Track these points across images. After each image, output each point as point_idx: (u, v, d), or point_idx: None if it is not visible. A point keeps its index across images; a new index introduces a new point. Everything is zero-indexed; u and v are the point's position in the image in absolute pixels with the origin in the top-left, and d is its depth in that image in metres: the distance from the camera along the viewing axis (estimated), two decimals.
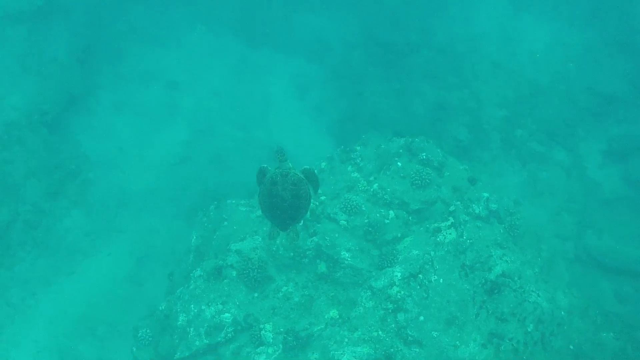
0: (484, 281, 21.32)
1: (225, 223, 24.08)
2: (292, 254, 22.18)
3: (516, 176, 29.79)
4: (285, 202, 14.87)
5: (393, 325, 20.36)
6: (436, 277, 21.14)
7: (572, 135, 31.38)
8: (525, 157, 30.45)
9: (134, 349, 22.64)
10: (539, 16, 37.10)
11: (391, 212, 22.72)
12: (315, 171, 15.77)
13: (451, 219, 22.54)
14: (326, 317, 21.06)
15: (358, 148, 25.91)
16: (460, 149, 30.06)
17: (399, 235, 22.46)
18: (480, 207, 23.02)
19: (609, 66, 34.05)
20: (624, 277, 26.21)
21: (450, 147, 29.11)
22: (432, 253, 21.62)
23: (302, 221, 18.20)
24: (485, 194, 23.45)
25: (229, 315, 21.10)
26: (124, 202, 29.50)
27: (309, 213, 22.40)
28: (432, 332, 20.21)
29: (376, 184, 23.30)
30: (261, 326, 20.80)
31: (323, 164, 25.56)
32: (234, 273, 21.92)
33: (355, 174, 24.61)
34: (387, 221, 22.46)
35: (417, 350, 19.95)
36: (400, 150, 24.76)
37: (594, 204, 28.75)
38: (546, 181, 29.54)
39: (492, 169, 29.91)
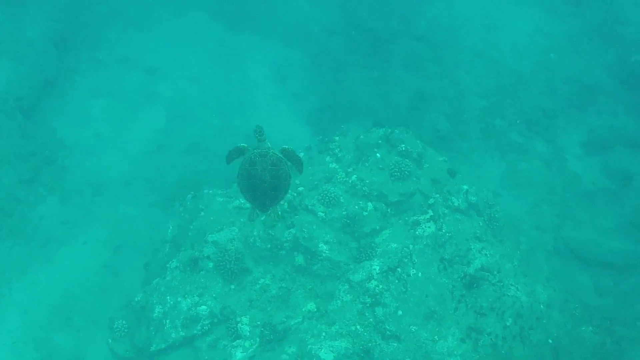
0: (462, 275, 21.25)
1: (202, 213, 23.84)
2: (269, 245, 22.03)
3: (495, 167, 29.70)
4: (264, 183, 14.71)
5: (371, 320, 20.26)
6: (415, 271, 21.03)
7: (552, 126, 31.33)
8: (505, 148, 30.36)
9: (110, 340, 22.49)
10: (521, 4, 37.06)
11: (370, 204, 22.58)
12: (296, 151, 15.53)
13: (430, 212, 22.45)
14: (303, 310, 20.98)
15: (337, 138, 25.73)
16: (439, 138, 29.92)
17: (378, 227, 22.34)
18: (460, 200, 22.93)
19: (590, 56, 34.09)
20: (603, 269, 26.17)
21: (429, 137, 28.95)
22: (411, 246, 21.50)
23: (282, 202, 17.92)
24: (465, 186, 23.37)
25: (206, 307, 20.95)
26: (100, 189, 29.13)
27: (286, 204, 22.30)
28: (411, 327, 20.10)
29: (355, 176, 23.14)
30: (238, 319, 20.67)
31: (301, 154, 25.20)
32: (211, 264, 21.79)
33: (334, 165, 24.44)
34: (365, 213, 22.32)
35: (396, 344, 19.84)
36: (380, 141, 24.62)
37: (573, 196, 28.72)
38: (525, 172, 29.47)
39: (471, 159, 29.82)
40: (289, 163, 15.18)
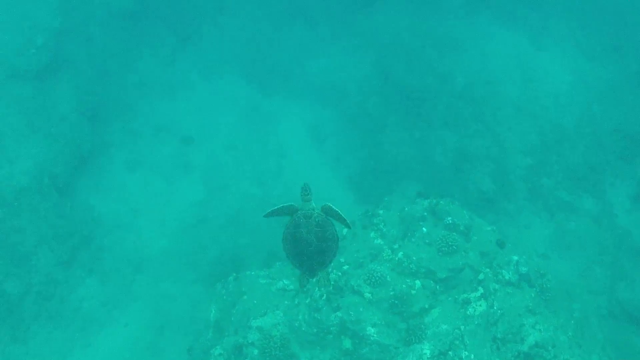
0: (516, 354, 20.56)
1: (245, 297, 23.24)
2: (315, 329, 21.44)
3: (544, 228, 29.01)
4: (311, 246, 14.00)
5: None
6: (467, 353, 20.36)
7: (600, 182, 30.52)
8: (553, 207, 29.66)
9: None
10: (559, 53, 36.19)
11: (417, 281, 21.94)
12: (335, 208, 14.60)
13: (481, 289, 21.78)
14: None
15: (381, 212, 25.10)
16: (485, 201, 29.34)
17: (427, 306, 21.68)
18: (510, 273, 22.27)
19: (634, 105, 33.12)
20: None
21: (474, 200, 28.42)
22: (462, 327, 20.82)
23: (331, 265, 17.07)
24: (515, 257, 22.70)
25: None
26: (140, 268, 28.82)
27: (331, 284, 21.68)
28: None
29: (401, 252, 22.52)
30: None
31: (344, 230, 24.63)
32: (256, 351, 21.25)
33: (379, 241, 23.77)
34: (413, 292, 21.68)
35: None
36: (425, 214, 23.96)
37: (626, 254, 27.94)
38: (575, 232, 28.73)
39: (519, 221, 29.14)
40: (336, 223, 14.42)
